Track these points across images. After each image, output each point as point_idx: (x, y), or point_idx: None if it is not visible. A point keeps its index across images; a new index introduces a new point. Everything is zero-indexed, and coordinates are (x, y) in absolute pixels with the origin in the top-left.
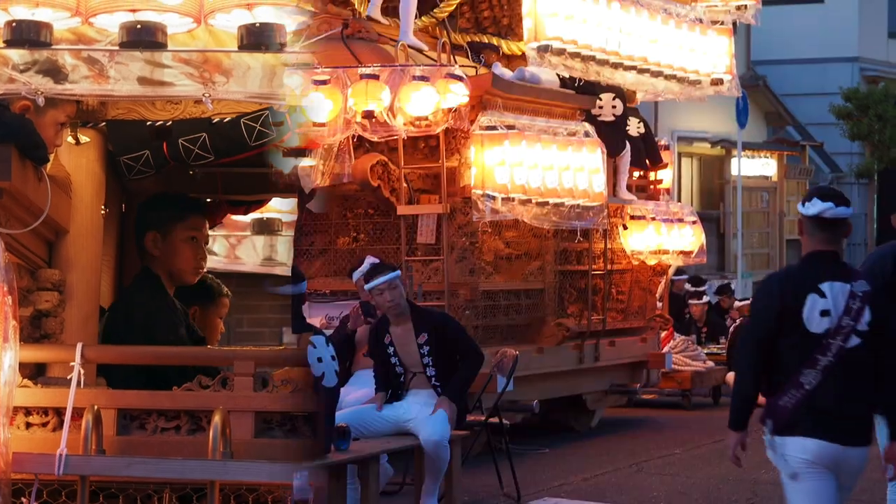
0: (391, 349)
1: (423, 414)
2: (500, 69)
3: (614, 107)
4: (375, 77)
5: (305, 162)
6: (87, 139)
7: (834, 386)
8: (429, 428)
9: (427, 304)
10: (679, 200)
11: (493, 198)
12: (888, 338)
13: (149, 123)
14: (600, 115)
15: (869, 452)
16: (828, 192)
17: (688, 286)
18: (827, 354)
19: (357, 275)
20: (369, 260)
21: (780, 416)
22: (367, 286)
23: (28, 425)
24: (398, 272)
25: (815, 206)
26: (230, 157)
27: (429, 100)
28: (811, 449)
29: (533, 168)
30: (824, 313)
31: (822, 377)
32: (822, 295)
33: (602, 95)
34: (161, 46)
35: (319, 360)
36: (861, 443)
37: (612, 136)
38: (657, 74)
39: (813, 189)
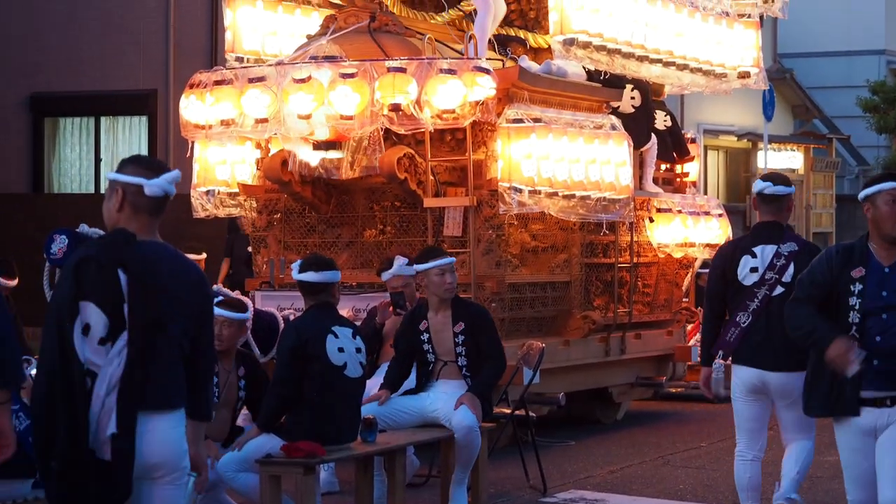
0: (426, 336)
1: (452, 402)
2: (527, 62)
3: (633, 98)
4: (402, 70)
5: (334, 154)
6: None
7: (762, 325)
8: (461, 413)
9: None
10: (705, 193)
11: (520, 190)
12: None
13: None
14: (619, 107)
15: (800, 379)
16: (770, 175)
17: None
18: (754, 300)
19: (387, 276)
20: (399, 260)
21: (726, 348)
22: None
23: None
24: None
25: (758, 185)
26: None
27: (456, 93)
28: (744, 375)
29: (559, 161)
30: (753, 269)
31: (753, 318)
32: (754, 255)
33: None
34: None
35: (340, 350)
36: (785, 368)
37: (634, 128)
38: (683, 67)
39: (762, 175)
